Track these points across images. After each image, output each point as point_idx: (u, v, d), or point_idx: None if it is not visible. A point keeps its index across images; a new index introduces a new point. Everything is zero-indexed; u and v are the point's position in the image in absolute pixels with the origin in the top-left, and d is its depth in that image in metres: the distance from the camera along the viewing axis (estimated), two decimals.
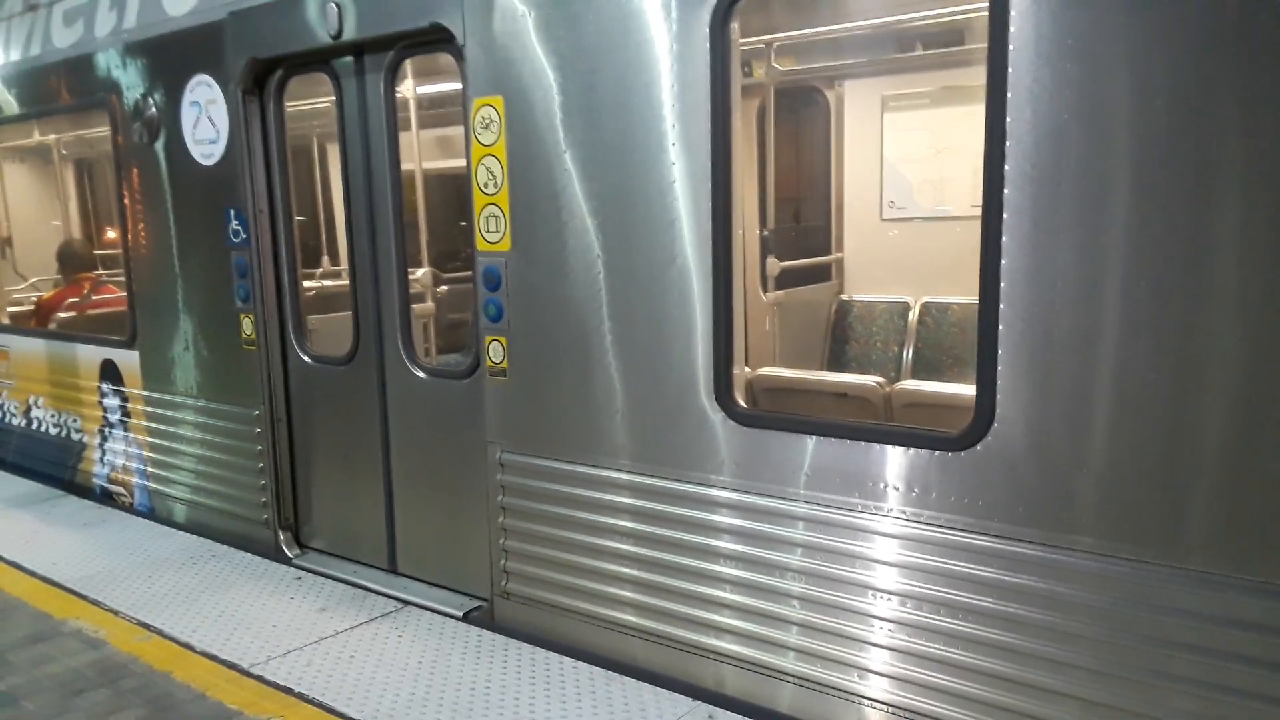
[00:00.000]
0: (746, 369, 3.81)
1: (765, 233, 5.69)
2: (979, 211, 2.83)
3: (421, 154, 6.25)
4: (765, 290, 5.55)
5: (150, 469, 6.07)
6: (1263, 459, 2.48)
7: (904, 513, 3.11)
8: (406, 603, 4.62)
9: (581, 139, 3.71)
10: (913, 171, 5.88)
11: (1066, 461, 2.77)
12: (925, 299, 5.86)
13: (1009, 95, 2.71)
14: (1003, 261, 2.78)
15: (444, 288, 6.78)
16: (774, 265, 5.50)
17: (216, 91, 5.06)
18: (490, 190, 4.01)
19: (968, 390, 3.02)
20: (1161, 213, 2.53)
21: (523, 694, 3.72)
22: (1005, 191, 2.75)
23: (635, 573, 3.80)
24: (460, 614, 4.44)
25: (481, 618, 4.40)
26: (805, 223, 6.41)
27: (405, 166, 4.69)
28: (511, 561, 4.22)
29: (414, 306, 4.90)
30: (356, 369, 4.91)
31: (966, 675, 3.02)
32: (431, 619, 4.44)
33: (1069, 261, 2.69)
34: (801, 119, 6.28)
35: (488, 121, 3.96)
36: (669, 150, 3.47)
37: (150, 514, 6.12)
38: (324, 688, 3.82)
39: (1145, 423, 2.63)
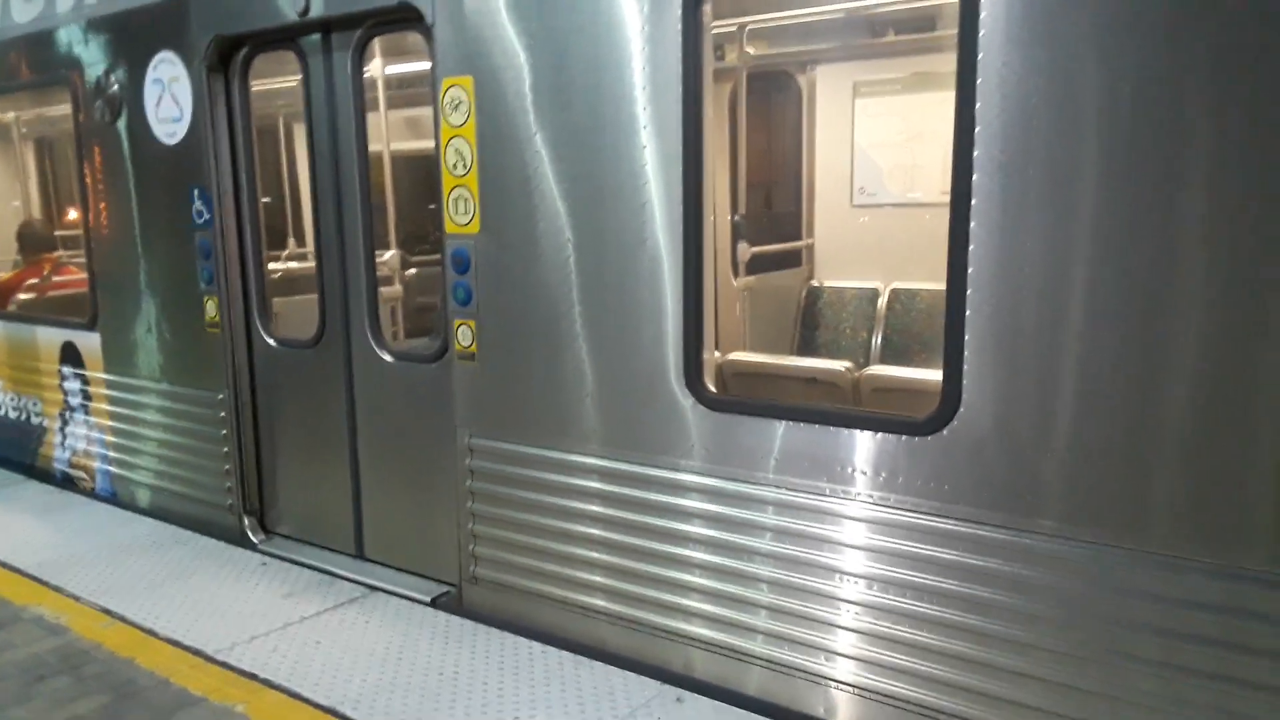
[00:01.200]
0: (717, 354, 3.81)
1: (736, 218, 5.68)
2: (948, 198, 2.84)
3: (390, 135, 6.19)
4: (736, 275, 5.55)
5: (112, 453, 5.98)
6: (1225, 443, 2.52)
7: (871, 497, 3.12)
8: (374, 588, 4.58)
9: (552, 120, 3.68)
10: (884, 158, 5.89)
11: (1031, 445, 2.79)
12: (894, 285, 5.89)
13: (979, 80, 2.72)
14: (970, 248, 2.80)
15: (412, 271, 6.73)
16: (745, 250, 5.51)
17: (180, 69, 4.97)
18: (459, 172, 3.97)
19: (935, 375, 3.03)
20: (1129, 199, 2.55)
21: (491, 679, 3.71)
22: (974, 177, 2.76)
23: (604, 557, 3.80)
24: (428, 599, 4.42)
25: (450, 603, 4.38)
26: (776, 208, 6.42)
27: (373, 147, 4.63)
28: (480, 547, 4.20)
29: (381, 289, 4.85)
30: (322, 352, 4.85)
31: (932, 657, 3.05)
32: (399, 604, 4.41)
33: (1036, 248, 2.70)
34: (773, 104, 6.27)
35: (457, 102, 3.92)
36: (640, 133, 3.45)
37: (112, 499, 6.03)
38: (289, 673, 3.79)
39: (1109, 407, 2.65)
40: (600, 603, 3.85)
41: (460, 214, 4.00)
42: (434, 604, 4.39)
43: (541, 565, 4.00)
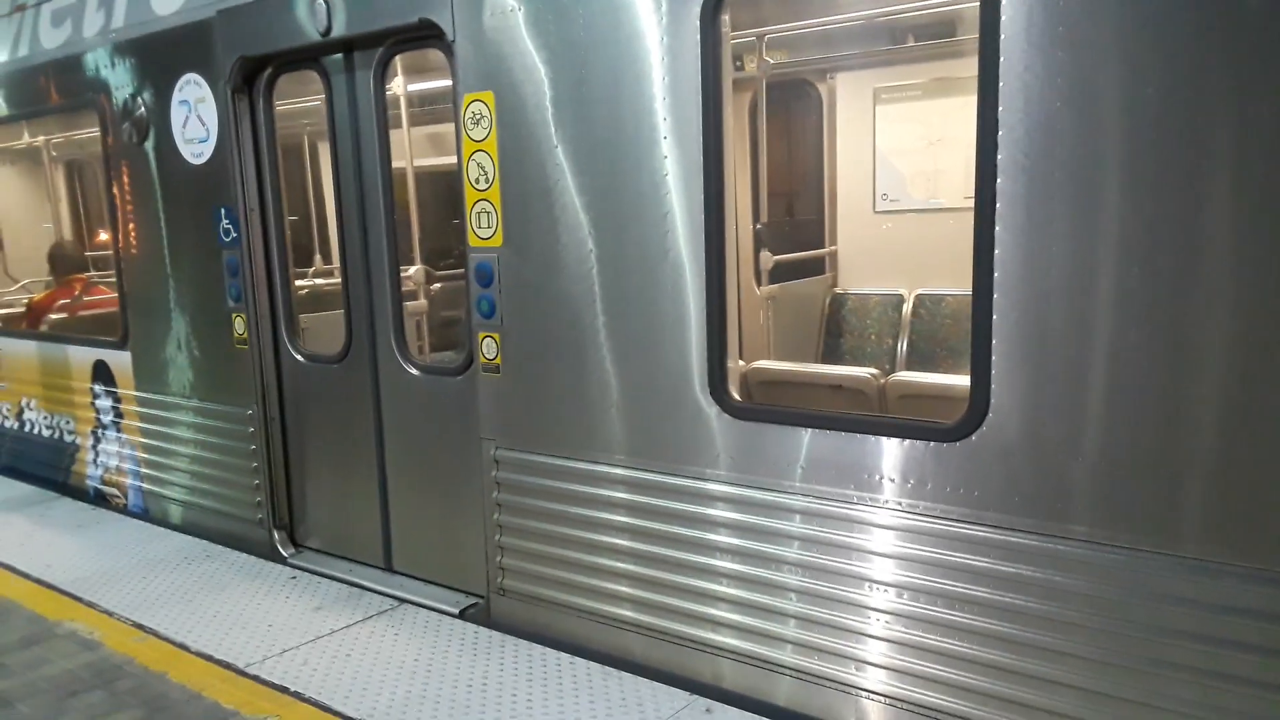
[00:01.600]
0: (741, 362, 3.80)
1: (758, 226, 5.68)
2: (972, 203, 2.82)
3: (413, 151, 6.23)
4: (759, 284, 5.54)
5: (144, 470, 6.05)
6: (1257, 445, 2.48)
7: (900, 504, 3.10)
8: (402, 600, 4.60)
9: (573, 133, 3.69)
10: (905, 164, 5.87)
11: (1061, 450, 2.76)
12: (919, 291, 5.86)
13: (1001, 84, 2.70)
14: (996, 251, 2.78)
15: (437, 285, 6.77)
16: (767, 259, 5.50)
17: (206, 90, 5.03)
18: (482, 186, 3.99)
19: (962, 381, 3.01)
20: (1154, 200, 2.53)
21: (520, 690, 3.71)
22: (998, 181, 2.75)
23: (632, 568, 3.79)
24: (456, 611, 4.43)
25: (478, 615, 4.39)
26: (798, 216, 6.41)
27: (396, 164, 4.67)
28: (507, 558, 4.21)
29: (407, 304, 4.88)
30: (349, 367, 4.89)
31: (964, 666, 3.02)
32: (428, 616, 4.42)
33: (1062, 251, 2.68)
34: (793, 112, 6.27)
35: (478, 117, 3.94)
36: (661, 144, 3.46)
37: (144, 515, 6.10)
38: (320, 686, 3.81)
39: (1139, 411, 2.62)
40: (628, 613, 3.85)
41: (483, 228, 4.02)
42: (462, 616, 4.41)
43: (569, 576, 4.00)
